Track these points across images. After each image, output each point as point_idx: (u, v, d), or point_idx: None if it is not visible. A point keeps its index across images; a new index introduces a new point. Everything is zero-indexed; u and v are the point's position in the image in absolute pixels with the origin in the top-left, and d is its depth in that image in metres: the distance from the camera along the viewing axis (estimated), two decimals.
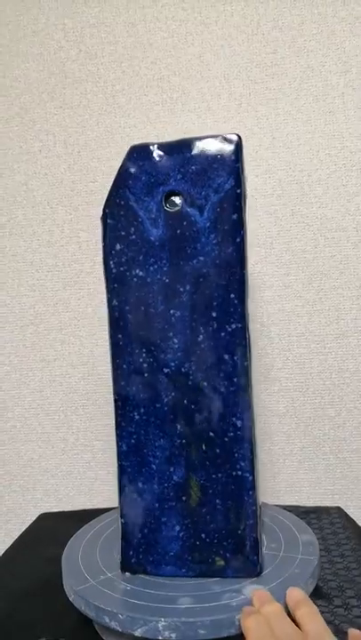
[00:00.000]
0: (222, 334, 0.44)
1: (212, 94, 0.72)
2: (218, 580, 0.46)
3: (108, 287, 0.45)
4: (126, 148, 0.73)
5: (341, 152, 0.71)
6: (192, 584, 0.45)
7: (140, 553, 0.47)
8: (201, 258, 0.43)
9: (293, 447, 0.74)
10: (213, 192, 0.43)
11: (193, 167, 0.43)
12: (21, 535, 0.68)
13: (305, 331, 0.73)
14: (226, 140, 0.43)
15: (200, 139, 0.43)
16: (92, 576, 0.46)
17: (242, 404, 0.44)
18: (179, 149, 0.43)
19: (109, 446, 0.76)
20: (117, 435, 0.46)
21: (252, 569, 0.45)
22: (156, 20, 0.72)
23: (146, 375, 0.45)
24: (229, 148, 0.43)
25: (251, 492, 0.45)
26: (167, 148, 0.44)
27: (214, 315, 0.44)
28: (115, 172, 0.73)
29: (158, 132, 0.73)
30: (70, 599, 0.46)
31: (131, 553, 0.47)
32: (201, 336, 0.44)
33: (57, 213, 0.75)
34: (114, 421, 0.48)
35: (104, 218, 0.45)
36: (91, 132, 0.74)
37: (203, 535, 0.46)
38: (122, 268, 0.44)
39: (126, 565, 0.47)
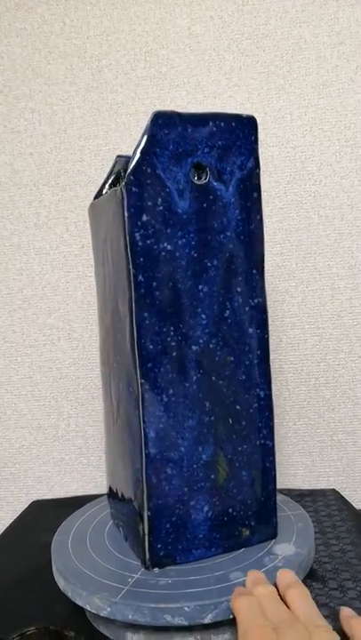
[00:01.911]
0: (246, 308, 0.45)
1: (202, 68, 0.70)
2: (244, 550, 0.47)
3: (132, 261, 0.41)
4: (114, 126, 0.71)
5: (335, 127, 0.69)
6: (226, 560, 0.45)
7: (168, 544, 0.44)
8: (228, 233, 0.44)
9: (288, 430, 0.73)
10: (238, 169, 0.44)
11: (219, 142, 0.43)
12: (13, 523, 0.67)
13: (299, 311, 0.71)
14: (246, 119, 0.44)
15: (223, 115, 0.43)
16: (120, 582, 0.43)
17: (265, 375, 0.46)
18: (205, 122, 0.42)
19: (101, 432, 0.75)
20: (143, 421, 0.42)
21: (273, 532, 0.49)
22: None
23: (174, 354, 0.43)
24: (250, 128, 0.44)
25: (271, 458, 0.47)
26: (193, 119, 0.42)
27: (239, 290, 0.45)
28: (102, 151, 0.72)
29: (147, 107, 0.71)
30: (105, 613, 0.41)
31: (159, 546, 0.44)
32: (227, 311, 0.44)
33: (44, 194, 0.73)
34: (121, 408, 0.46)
35: (128, 186, 0.40)
36: (77, 110, 0.72)
37: (230, 510, 0.46)
38: (148, 241, 0.41)
39: (154, 561, 0.44)
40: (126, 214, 0.40)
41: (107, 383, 0.50)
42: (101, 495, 0.61)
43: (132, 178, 0.40)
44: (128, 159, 0.49)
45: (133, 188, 0.40)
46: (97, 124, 0.71)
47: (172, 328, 0.42)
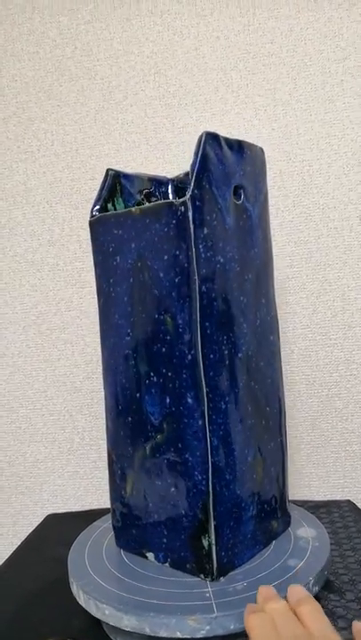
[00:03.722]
0: (268, 318, 0.49)
1: (210, 87, 0.71)
2: (274, 541, 0.51)
3: (198, 273, 0.42)
4: (124, 145, 0.73)
5: (342, 141, 0.70)
6: (269, 553, 0.49)
7: (229, 550, 0.45)
8: (256, 249, 0.47)
9: (301, 441, 0.73)
10: (260, 192, 0.48)
11: (249, 168, 0.47)
12: (28, 537, 0.68)
13: (310, 323, 0.72)
14: (261, 150, 0.49)
15: (252, 144, 0.48)
16: (198, 599, 0.42)
17: (282, 379, 0.51)
18: (239, 148, 0.46)
19: None
20: (209, 431, 0.43)
21: (289, 520, 0.53)
22: (150, 14, 0.71)
23: (227, 363, 0.44)
24: (264, 158, 0.50)
25: (285, 453, 0.52)
26: (232, 143, 0.45)
27: (263, 301, 0.48)
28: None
29: (156, 126, 0.72)
30: (203, 633, 0.39)
31: (222, 554, 0.44)
32: (258, 320, 0.48)
33: (57, 212, 0.74)
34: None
35: (192, 199, 0.41)
36: (88, 129, 0.73)
37: (265, 506, 0.49)
38: (208, 254, 0.42)
39: (221, 570, 0.44)
40: (192, 227, 0.42)
41: (134, 401, 0.47)
42: None
43: (196, 192, 0.41)
44: (122, 174, 0.51)
45: (197, 202, 0.41)
46: (108, 142, 0.73)
47: (225, 337, 0.44)
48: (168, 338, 0.44)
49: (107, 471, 0.75)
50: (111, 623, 0.41)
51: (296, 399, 0.72)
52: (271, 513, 0.50)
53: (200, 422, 0.43)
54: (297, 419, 0.72)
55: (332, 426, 0.72)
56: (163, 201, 0.44)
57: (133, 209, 0.45)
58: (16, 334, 0.76)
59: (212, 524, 0.43)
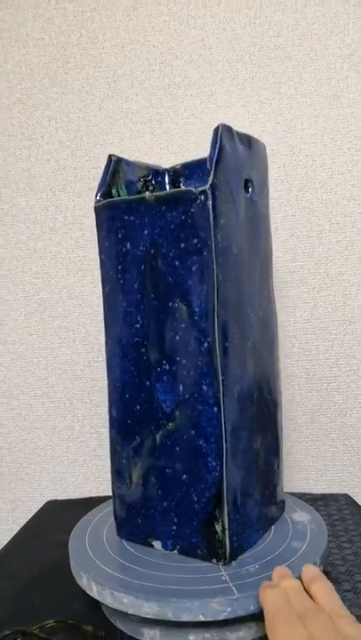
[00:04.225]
0: (269, 310, 0.50)
1: (215, 78, 0.71)
2: (273, 526, 0.52)
3: (215, 261, 0.42)
4: (129, 134, 0.73)
5: (346, 136, 0.70)
6: (271, 537, 0.50)
7: (238, 535, 0.46)
8: (261, 241, 0.49)
9: (300, 435, 0.73)
10: (264, 187, 0.50)
11: (256, 162, 0.48)
12: (28, 522, 0.68)
13: (311, 317, 0.72)
14: (264, 147, 0.51)
15: (257, 140, 0.49)
16: (215, 582, 0.43)
17: (280, 370, 0.53)
18: (248, 142, 0.47)
19: None
20: (223, 417, 0.44)
21: (284, 505, 0.55)
22: (157, 3, 0.71)
23: (238, 351, 0.45)
24: (266, 154, 0.51)
25: (282, 440, 0.54)
26: (242, 138, 0.46)
27: (266, 293, 0.50)
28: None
29: (161, 116, 0.72)
30: (224, 615, 0.40)
31: (234, 539, 0.45)
32: (261, 312, 0.49)
33: (60, 200, 0.74)
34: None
35: (212, 189, 0.42)
36: (93, 118, 0.73)
37: (267, 491, 0.50)
38: (225, 243, 0.43)
39: (232, 554, 0.45)
40: (211, 215, 0.42)
41: (143, 389, 0.47)
42: None
43: (215, 182, 0.42)
44: (123, 161, 0.50)
45: (215, 192, 0.42)
46: (112, 131, 0.73)
47: (236, 326, 0.45)
48: (183, 325, 0.44)
49: (107, 460, 0.76)
50: (130, 612, 0.41)
51: (295, 392, 0.73)
52: (270, 498, 0.51)
53: (215, 409, 0.43)
54: (296, 412, 0.73)
55: (330, 420, 0.73)
56: (180, 189, 0.44)
57: (147, 195, 0.45)
58: (18, 321, 0.76)
59: (226, 509, 0.44)
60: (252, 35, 0.70)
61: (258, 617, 0.40)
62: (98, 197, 0.48)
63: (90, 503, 0.63)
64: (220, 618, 0.40)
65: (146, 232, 0.45)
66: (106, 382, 0.75)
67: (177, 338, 0.44)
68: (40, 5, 0.72)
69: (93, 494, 0.76)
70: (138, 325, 0.46)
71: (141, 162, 0.53)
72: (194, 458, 0.45)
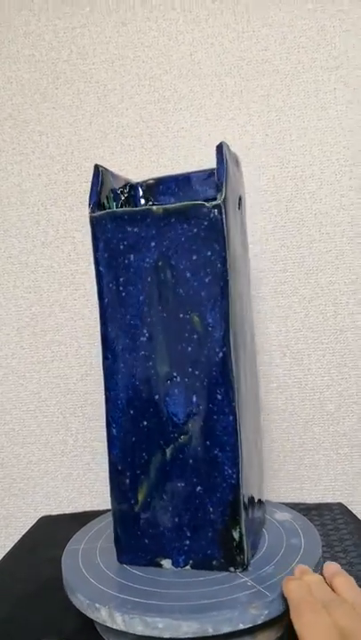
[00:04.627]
0: (250, 318, 0.53)
1: (204, 92, 0.72)
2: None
3: (229, 272, 0.44)
4: (119, 148, 0.73)
5: (334, 147, 0.71)
6: (267, 541, 0.52)
7: (251, 539, 0.48)
8: (247, 254, 0.52)
9: (293, 444, 0.73)
10: (244, 205, 0.53)
11: (241, 180, 0.52)
12: (22, 539, 0.68)
13: (302, 327, 0.72)
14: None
15: (239, 159, 0.52)
16: (243, 589, 0.43)
17: (259, 377, 0.60)
18: (236, 162, 0.50)
19: None
20: (239, 425, 0.44)
21: (265, 507, 0.57)
22: (146, 19, 0.72)
23: (242, 360, 0.47)
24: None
25: (261, 441, 0.57)
26: (232, 157, 0.48)
27: (246, 301, 0.51)
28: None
29: (151, 130, 0.73)
30: (262, 618, 0.40)
31: (250, 543, 0.47)
32: (248, 322, 0.51)
33: (51, 214, 0.75)
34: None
35: (224, 202, 0.43)
36: (84, 132, 0.74)
37: (258, 493, 0.52)
38: (233, 255, 0.45)
39: (249, 558, 0.46)
40: (225, 229, 0.43)
41: (151, 404, 0.46)
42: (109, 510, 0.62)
43: (226, 197, 0.43)
44: (110, 172, 0.51)
45: (226, 206, 0.43)
46: (103, 146, 0.74)
47: (240, 336, 0.46)
48: (195, 337, 0.44)
49: (101, 473, 0.76)
50: (166, 635, 0.40)
51: (288, 402, 0.73)
52: (259, 500, 0.53)
53: (231, 417, 0.44)
54: (289, 422, 0.73)
55: (323, 429, 0.73)
56: (191, 202, 0.44)
57: (154, 207, 0.45)
58: (10, 336, 0.76)
59: (243, 515, 0.45)
60: (240, 49, 0.71)
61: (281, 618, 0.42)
62: (91, 207, 0.48)
63: (84, 517, 0.63)
64: (259, 622, 0.40)
65: (153, 244, 0.45)
66: (98, 396, 0.75)
67: (189, 349, 0.45)
68: (30, 22, 0.73)
69: (87, 508, 0.76)
70: (144, 339, 0.46)
71: (119, 174, 0.53)
72: (209, 468, 0.45)
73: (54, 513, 0.76)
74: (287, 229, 0.72)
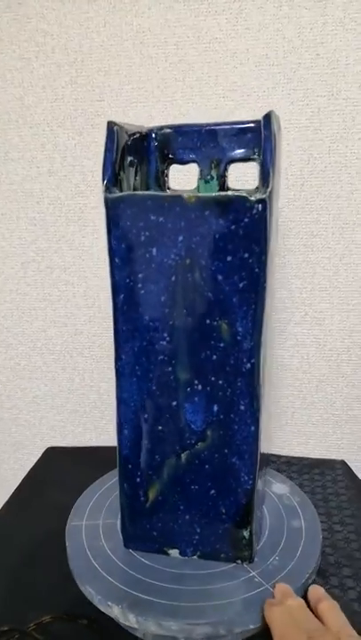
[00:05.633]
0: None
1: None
2: None
3: (266, 278, 0.39)
4: (138, 60, 0.61)
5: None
6: (269, 522, 0.53)
7: (258, 532, 0.48)
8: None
9: (304, 402, 0.72)
10: None
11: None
12: (29, 473, 0.69)
13: (329, 285, 0.67)
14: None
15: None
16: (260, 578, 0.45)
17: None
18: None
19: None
20: (257, 429, 0.43)
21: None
22: None
23: (265, 370, 0.44)
24: None
25: None
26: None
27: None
28: (124, 90, 0.62)
29: (178, 39, 0.60)
30: None
31: (257, 538, 0.48)
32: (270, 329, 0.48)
33: (58, 137, 0.65)
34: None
35: (270, 197, 0.37)
36: (96, 36, 0.61)
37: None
38: (270, 258, 0.41)
39: (255, 551, 0.48)
40: (268, 229, 0.38)
41: (168, 410, 0.44)
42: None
43: (273, 190, 0.38)
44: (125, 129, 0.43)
45: (271, 201, 0.38)
46: (119, 55, 0.62)
47: (267, 343, 0.43)
48: (222, 345, 0.41)
49: (107, 410, 0.76)
50: (181, 636, 0.41)
51: (303, 361, 0.70)
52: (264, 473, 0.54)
53: (252, 428, 0.42)
54: (302, 380, 0.71)
55: (336, 390, 0.70)
56: (230, 193, 0.37)
57: (186, 195, 0.38)
58: (14, 270, 0.71)
59: (255, 516, 0.45)
60: None
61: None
62: (105, 184, 0.40)
63: (90, 452, 0.63)
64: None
65: (181, 238, 0.39)
66: (106, 339, 0.72)
67: (213, 357, 0.41)
68: None
69: (93, 443, 0.77)
70: (164, 342, 0.42)
71: (132, 125, 0.45)
72: (225, 474, 0.44)
73: (60, 445, 0.77)
74: (326, 175, 0.63)
